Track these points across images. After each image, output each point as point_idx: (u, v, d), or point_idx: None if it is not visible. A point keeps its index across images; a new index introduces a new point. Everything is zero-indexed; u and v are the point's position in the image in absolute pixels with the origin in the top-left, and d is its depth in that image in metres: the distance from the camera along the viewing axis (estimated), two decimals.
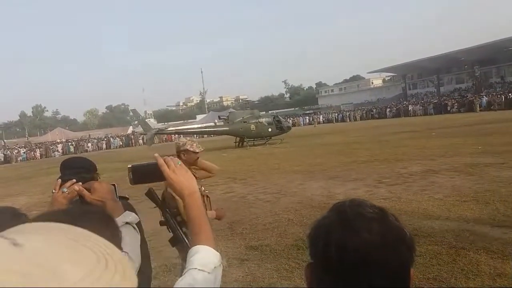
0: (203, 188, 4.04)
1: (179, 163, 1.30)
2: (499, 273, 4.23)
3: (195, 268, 1.11)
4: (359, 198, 0.95)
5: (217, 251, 1.21)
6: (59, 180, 1.72)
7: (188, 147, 4.01)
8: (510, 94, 43.41)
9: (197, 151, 4.02)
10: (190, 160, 4.00)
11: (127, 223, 1.50)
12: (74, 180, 1.69)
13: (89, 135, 65.90)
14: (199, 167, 4.23)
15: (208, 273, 1.12)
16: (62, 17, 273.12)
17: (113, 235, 1.10)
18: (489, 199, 7.20)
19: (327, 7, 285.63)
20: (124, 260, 0.46)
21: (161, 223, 3.75)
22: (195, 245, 1.19)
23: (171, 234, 3.00)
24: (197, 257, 1.15)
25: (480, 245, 5.09)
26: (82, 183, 1.68)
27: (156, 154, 1.35)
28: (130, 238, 1.46)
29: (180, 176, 1.28)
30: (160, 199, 3.81)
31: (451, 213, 6.64)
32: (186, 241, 3.66)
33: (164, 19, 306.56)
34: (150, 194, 3.45)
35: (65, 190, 1.64)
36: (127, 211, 1.54)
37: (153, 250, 5.85)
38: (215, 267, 1.15)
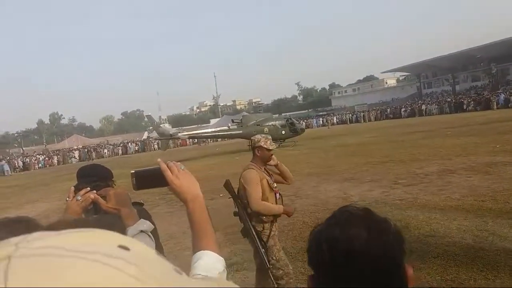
0: (275, 184, 4.06)
1: (182, 167, 1.30)
2: None
3: (199, 274, 1.09)
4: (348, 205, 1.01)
5: (221, 256, 1.20)
6: (73, 188, 1.74)
7: (262, 143, 4.01)
8: None
9: (270, 148, 4.01)
10: (264, 157, 4.04)
11: (141, 231, 1.50)
12: (88, 188, 1.69)
13: (107, 141, 66.82)
14: (278, 169, 4.25)
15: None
16: (76, 22, 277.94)
17: None
18: (508, 198, 7.07)
19: (345, 5, 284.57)
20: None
21: (235, 214, 4.01)
22: (199, 250, 1.18)
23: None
24: (200, 263, 1.13)
25: (500, 245, 5.00)
26: (97, 191, 1.70)
27: (159, 159, 1.34)
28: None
29: (183, 181, 1.27)
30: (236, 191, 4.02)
31: (469, 214, 6.54)
32: (253, 232, 3.80)
33: (175, 23, 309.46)
34: (227, 186, 3.88)
35: (79, 198, 1.64)
36: (142, 219, 1.54)
37: (169, 254, 5.89)
38: (219, 273, 1.13)
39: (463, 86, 67.98)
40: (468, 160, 11.71)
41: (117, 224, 1.56)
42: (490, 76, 61.27)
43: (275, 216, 3.98)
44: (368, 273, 0.84)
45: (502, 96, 43.73)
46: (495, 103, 42.23)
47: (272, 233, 3.95)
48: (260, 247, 3.81)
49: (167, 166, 1.28)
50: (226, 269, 1.19)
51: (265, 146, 3.99)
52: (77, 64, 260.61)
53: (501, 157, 11.51)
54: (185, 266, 1.12)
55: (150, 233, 1.54)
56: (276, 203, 4.01)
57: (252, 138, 4.22)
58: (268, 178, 4.03)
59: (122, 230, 1.51)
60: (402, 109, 54.95)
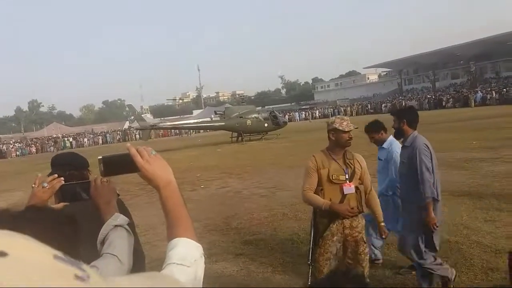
0: (344, 177, 3.47)
1: (154, 152, 1.23)
2: (492, 267, 4.28)
3: (174, 263, 1.05)
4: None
5: (198, 242, 1.15)
6: (40, 175, 1.69)
7: (337, 125, 3.43)
8: (504, 90, 43.54)
9: (346, 130, 3.41)
10: (339, 141, 3.46)
11: (116, 226, 1.47)
12: (56, 175, 1.64)
13: (92, 129, 65.75)
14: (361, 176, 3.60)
15: (188, 266, 1.06)
16: (56, 11, 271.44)
17: (71, 236, 1.08)
18: (483, 193, 7.26)
19: (328, 2, 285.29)
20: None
21: None
22: (174, 238, 1.12)
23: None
24: (175, 251, 1.09)
25: (474, 239, 5.14)
26: (71, 180, 1.66)
27: (128, 144, 1.27)
28: (120, 241, 1.43)
29: (155, 166, 1.20)
30: None
31: (445, 207, 6.66)
32: (311, 225, 3.60)
33: (160, 12, 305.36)
34: None
35: (45, 185, 1.58)
36: (115, 214, 1.50)
37: (148, 244, 5.86)
38: (195, 260, 1.08)
39: (443, 83, 69.17)
40: (445, 156, 11.92)
41: (93, 216, 1.54)
42: (469, 74, 62.48)
43: (336, 212, 3.41)
44: None
45: (479, 94, 44.65)
46: (473, 100, 43.09)
47: (328, 232, 3.47)
48: (311, 241, 3.58)
49: (137, 151, 1.21)
50: (204, 256, 1.15)
51: (341, 128, 3.40)
52: (59, 51, 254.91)
53: (478, 153, 11.79)
54: (164, 258, 1.11)
55: (126, 226, 1.51)
56: (343, 199, 3.43)
57: (327, 120, 3.69)
58: (334, 167, 3.46)
59: (98, 223, 1.50)
60: (383, 105, 55.60)
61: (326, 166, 3.47)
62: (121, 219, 1.49)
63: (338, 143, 3.46)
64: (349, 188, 3.42)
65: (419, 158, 3.75)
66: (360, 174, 3.55)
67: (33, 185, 1.62)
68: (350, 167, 3.49)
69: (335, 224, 3.45)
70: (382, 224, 3.64)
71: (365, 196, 3.60)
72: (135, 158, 1.20)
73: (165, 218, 1.18)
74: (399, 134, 4.13)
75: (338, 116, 3.65)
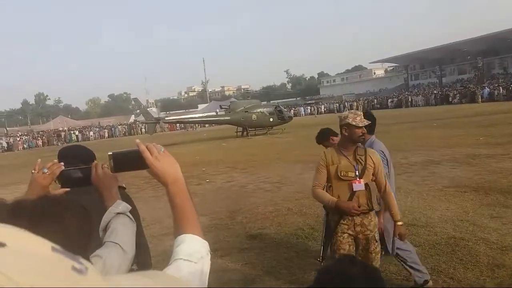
0: (354, 173, 3.36)
1: (162, 149, 1.24)
2: (498, 264, 4.25)
3: (181, 259, 1.07)
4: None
5: (204, 239, 1.16)
6: (40, 160, 1.67)
7: (350, 120, 3.33)
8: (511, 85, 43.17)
9: (360, 125, 3.32)
10: (352, 137, 3.37)
11: (118, 213, 1.47)
12: (56, 160, 1.63)
13: (99, 123, 66.06)
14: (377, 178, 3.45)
15: (195, 263, 1.07)
16: (62, 3, 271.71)
17: (81, 225, 1.07)
18: (490, 190, 7.21)
19: None
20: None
21: None
22: (181, 234, 1.14)
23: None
24: (182, 247, 1.10)
25: (480, 235, 5.11)
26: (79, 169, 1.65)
27: (137, 141, 1.27)
28: (123, 229, 1.43)
29: (164, 163, 1.21)
30: None
31: (451, 204, 6.65)
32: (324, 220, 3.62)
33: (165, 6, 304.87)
34: None
35: (45, 170, 1.56)
36: (117, 201, 1.50)
37: (154, 238, 5.88)
38: (201, 257, 1.10)
39: (450, 78, 68.66)
40: (452, 152, 11.88)
41: (96, 203, 1.53)
42: (476, 69, 61.97)
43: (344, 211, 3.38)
44: None
45: (486, 90, 44.29)
46: (480, 96, 42.74)
47: (338, 229, 3.43)
48: (322, 238, 3.57)
49: (147, 148, 1.22)
50: (211, 253, 1.16)
51: (354, 123, 3.31)
52: (65, 46, 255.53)
53: (484, 149, 11.71)
54: (170, 252, 1.11)
55: (129, 214, 1.51)
56: (352, 196, 3.37)
57: (339, 115, 3.57)
58: (344, 163, 3.39)
59: (101, 211, 1.49)
60: (389, 100, 55.31)
61: (336, 162, 3.41)
62: (123, 206, 1.49)
63: (351, 138, 3.38)
64: (359, 185, 3.33)
65: None
66: (373, 171, 3.43)
67: (33, 171, 1.60)
68: (361, 163, 3.39)
69: (346, 221, 3.41)
70: (399, 223, 3.49)
71: (380, 194, 3.49)
72: (144, 155, 1.21)
73: (172, 214, 1.19)
74: None
75: (351, 111, 3.60)
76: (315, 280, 0.96)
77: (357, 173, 3.36)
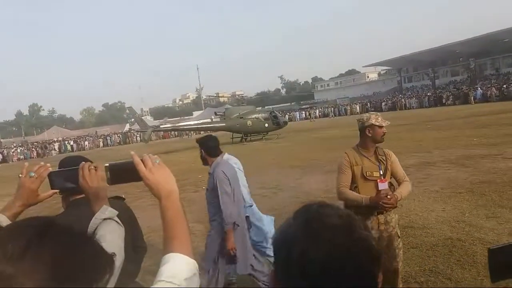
0: (379, 173, 3.47)
1: (158, 161, 1.22)
2: None
3: (163, 280, 1.02)
4: (326, 203, 0.90)
5: (193, 258, 1.12)
6: (27, 164, 1.63)
7: (373, 121, 3.48)
8: (504, 86, 43.50)
9: (383, 124, 3.48)
10: (376, 137, 3.49)
11: (105, 219, 1.43)
12: (42, 163, 1.59)
13: (96, 132, 65.82)
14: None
15: (177, 285, 1.02)
16: (54, 12, 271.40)
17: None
18: (484, 190, 7.27)
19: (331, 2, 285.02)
20: None
21: None
22: (168, 252, 1.10)
23: None
24: (166, 267, 1.05)
25: (476, 236, 5.15)
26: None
27: (132, 152, 1.25)
28: (110, 236, 1.38)
29: (157, 175, 1.19)
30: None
31: (447, 205, 6.70)
32: None
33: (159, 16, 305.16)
34: None
35: (32, 174, 1.52)
36: (104, 206, 1.45)
37: (151, 247, 5.84)
38: (185, 279, 1.04)
39: (443, 80, 69.07)
40: (446, 153, 11.96)
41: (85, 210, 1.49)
42: (469, 71, 62.41)
43: (371, 209, 3.40)
44: None
45: (479, 91, 44.61)
46: (472, 97, 43.06)
47: None
48: None
49: (142, 160, 1.20)
50: (199, 272, 1.11)
51: (377, 124, 3.46)
52: (58, 54, 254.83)
53: (478, 150, 11.80)
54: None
55: (116, 219, 1.45)
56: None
57: (359, 117, 3.64)
58: (367, 164, 3.49)
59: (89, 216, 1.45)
60: (383, 103, 55.59)
61: (359, 163, 3.50)
62: (109, 211, 1.44)
63: (374, 139, 3.49)
64: (383, 184, 3.43)
65: (219, 186, 3.78)
66: (391, 169, 3.55)
67: (20, 175, 1.55)
68: (383, 163, 3.52)
69: (371, 221, 3.44)
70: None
71: (400, 182, 3.59)
72: (138, 167, 1.19)
73: (162, 229, 1.16)
74: (204, 163, 4.19)
75: (372, 112, 3.74)
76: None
77: (381, 173, 3.46)
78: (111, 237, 1.38)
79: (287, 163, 13.98)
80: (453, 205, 6.65)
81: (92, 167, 1.47)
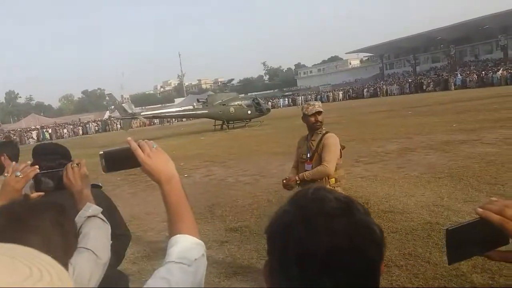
0: (305, 156, 3.89)
1: (155, 146, 1.20)
2: None
3: (173, 261, 1.03)
4: (323, 187, 0.84)
5: (200, 239, 1.13)
6: (14, 163, 1.62)
7: (304, 111, 3.87)
8: (483, 73, 44.27)
9: (306, 113, 3.82)
10: (308, 124, 3.88)
11: (89, 217, 1.42)
12: (29, 162, 1.58)
13: (79, 119, 64.83)
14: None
15: (188, 265, 1.03)
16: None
17: (64, 232, 1.06)
18: (463, 175, 7.39)
19: None
20: (63, 273, 0.49)
21: None
22: (175, 234, 1.11)
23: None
24: (176, 249, 1.06)
25: (454, 220, 5.23)
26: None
27: (129, 138, 1.23)
28: (94, 233, 1.37)
29: (156, 160, 1.17)
30: None
31: (427, 190, 6.79)
32: None
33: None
34: None
35: (18, 173, 1.50)
36: (87, 204, 1.44)
37: (132, 235, 5.79)
38: (195, 259, 1.06)
39: (424, 67, 69.86)
40: (426, 139, 12.12)
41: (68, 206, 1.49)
42: (449, 57, 63.24)
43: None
44: (343, 281, 0.71)
45: (459, 77, 45.33)
46: (452, 84, 43.74)
47: None
48: None
49: (138, 145, 1.18)
50: (206, 254, 1.13)
51: (307, 113, 3.83)
52: (34, 39, 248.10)
53: (458, 135, 11.99)
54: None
55: (101, 215, 1.46)
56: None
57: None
58: (303, 148, 3.94)
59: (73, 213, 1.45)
60: (365, 90, 56.03)
61: (301, 146, 4.00)
62: (93, 209, 1.44)
63: (308, 126, 3.91)
64: (308, 166, 3.85)
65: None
66: (322, 153, 3.80)
67: (5, 174, 1.53)
68: (312, 147, 3.87)
69: None
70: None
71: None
72: (136, 153, 1.17)
73: (166, 213, 1.16)
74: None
75: (309, 102, 4.05)
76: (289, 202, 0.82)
77: (308, 156, 3.88)
78: (95, 235, 1.37)
79: (269, 150, 13.97)
80: (432, 189, 6.74)
81: (75, 164, 1.48)
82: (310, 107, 3.83)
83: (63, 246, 1.04)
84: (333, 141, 3.80)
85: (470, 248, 0.90)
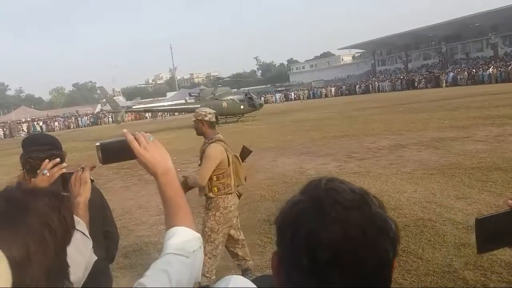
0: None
1: (151, 138, 1.19)
2: (464, 243, 4.39)
3: (171, 253, 1.03)
4: (336, 178, 0.80)
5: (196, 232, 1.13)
6: (46, 161, 1.54)
7: (193, 118, 4.08)
8: (474, 70, 44.61)
9: (192, 119, 4.11)
10: (197, 130, 4.14)
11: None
12: (58, 160, 1.54)
13: (77, 111, 64.38)
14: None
15: (186, 257, 1.03)
16: None
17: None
18: (455, 172, 7.44)
19: None
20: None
21: None
22: (172, 226, 1.10)
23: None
24: (173, 240, 1.06)
25: (446, 216, 5.26)
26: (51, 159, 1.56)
27: (125, 130, 1.22)
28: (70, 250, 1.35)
29: (153, 153, 1.16)
30: None
31: (419, 186, 6.82)
32: None
33: None
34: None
35: (45, 172, 1.48)
36: (75, 218, 1.41)
37: (125, 229, 5.77)
38: (193, 251, 1.06)
39: (415, 64, 70.25)
40: (418, 135, 12.19)
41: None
42: (440, 55, 63.63)
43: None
44: (353, 281, 0.69)
45: (450, 74, 45.65)
46: (444, 81, 44.03)
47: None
48: None
49: (135, 137, 1.17)
50: (203, 246, 1.12)
51: (194, 119, 4.21)
52: (25, 31, 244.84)
53: (449, 132, 12.07)
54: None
55: (83, 230, 1.38)
56: None
57: None
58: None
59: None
60: (357, 86, 56.20)
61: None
62: (80, 225, 1.38)
63: (199, 132, 4.21)
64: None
65: None
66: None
67: (38, 172, 1.52)
68: (200, 155, 4.14)
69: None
70: None
71: None
72: (132, 145, 1.16)
73: (163, 206, 1.16)
74: None
75: (199, 110, 4.23)
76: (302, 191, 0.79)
77: (199, 163, 4.13)
78: (71, 253, 1.32)
79: (262, 145, 13.95)
80: (425, 186, 6.78)
81: (80, 168, 1.46)
82: (199, 112, 4.09)
83: (59, 231, 1.00)
84: (208, 154, 3.99)
85: (501, 238, 0.91)
